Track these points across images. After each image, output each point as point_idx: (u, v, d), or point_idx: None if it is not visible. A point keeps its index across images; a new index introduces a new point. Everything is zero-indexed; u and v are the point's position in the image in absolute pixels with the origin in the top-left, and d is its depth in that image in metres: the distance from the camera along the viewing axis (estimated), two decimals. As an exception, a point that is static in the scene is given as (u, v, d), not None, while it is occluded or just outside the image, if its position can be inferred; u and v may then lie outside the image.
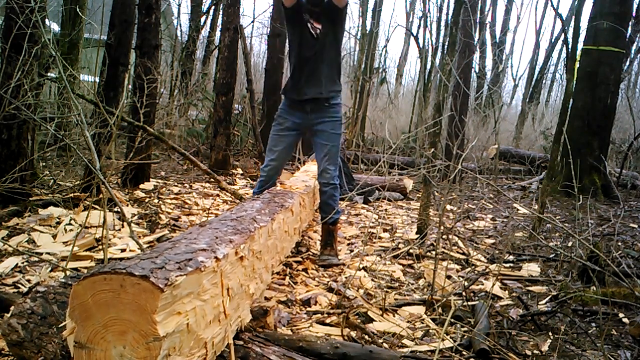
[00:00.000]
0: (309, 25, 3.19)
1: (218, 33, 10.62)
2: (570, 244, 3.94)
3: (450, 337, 2.21)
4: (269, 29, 8.64)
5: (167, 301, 1.15)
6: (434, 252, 3.50)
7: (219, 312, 1.46)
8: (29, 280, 2.52)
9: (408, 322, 2.42)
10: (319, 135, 3.29)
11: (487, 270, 3.31)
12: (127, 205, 4.15)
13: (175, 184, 5.55)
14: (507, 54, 16.94)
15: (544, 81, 16.94)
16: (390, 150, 3.11)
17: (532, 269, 3.36)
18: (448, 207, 5.60)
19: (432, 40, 11.41)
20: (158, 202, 4.43)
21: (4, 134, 3.49)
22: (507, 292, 2.94)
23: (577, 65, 5.78)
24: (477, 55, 12.62)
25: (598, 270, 2.62)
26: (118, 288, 1.13)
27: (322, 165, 3.30)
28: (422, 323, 2.40)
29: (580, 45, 6.62)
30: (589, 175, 6.69)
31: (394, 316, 2.48)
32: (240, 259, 1.70)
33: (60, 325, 1.56)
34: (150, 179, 5.18)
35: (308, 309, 2.51)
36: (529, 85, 16.01)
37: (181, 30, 11.59)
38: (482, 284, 3.02)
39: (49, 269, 2.68)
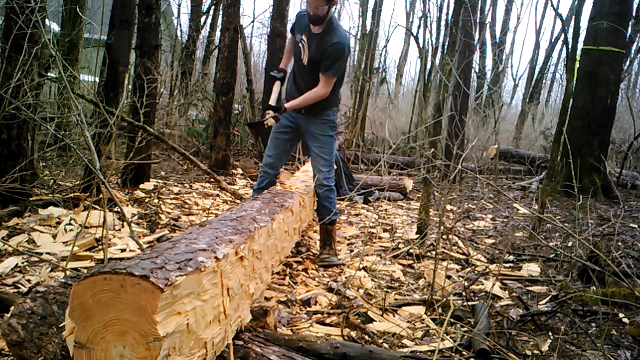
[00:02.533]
0: (300, 45, 3.17)
1: (218, 33, 10.62)
2: (570, 244, 3.94)
3: (450, 337, 2.21)
4: (269, 29, 8.64)
5: (167, 301, 1.15)
6: (434, 252, 3.50)
7: (219, 312, 1.46)
8: (29, 280, 2.52)
9: (408, 322, 2.42)
10: (310, 137, 3.32)
11: (487, 270, 3.31)
12: (127, 205, 4.15)
13: (175, 184, 5.55)
14: (507, 54, 16.94)
15: (544, 81, 16.93)
16: (390, 150, 3.11)
17: (532, 269, 3.36)
18: (448, 207, 5.60)
19: (432, 40, 11.41)
20: (158, 202, 4.43)
21: (4, 134, 3.49)
22: (507, 292, 2.94)
23: (577, 65, 5.78)
24: (477, 55, 12.62)
25: (598, 270, 2.62)
26: (118, 288, 1.13)
27: (316, 168, 3.32)
28: (422, 323, 2.40)
29: (580, 45, 6.62)
30: (589, 175, 6.69)
31: (394, 316, 2.48)
32: (240, 259, 1.70)
33: (60, 325, 1.56)
34: (150, 179, 5.18)
35: (308, 309, 2.51)
36: (529, 85, 16.01)
37: (181, 30, 11.60)
38: (482, 284, 3.02)
39: (49, 269, 2.68)
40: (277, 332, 2.06)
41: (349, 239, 4.08)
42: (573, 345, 2.22)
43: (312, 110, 3.24)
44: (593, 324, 2.45)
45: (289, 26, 7.95)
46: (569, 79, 4.50)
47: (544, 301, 2.76)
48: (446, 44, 8.87)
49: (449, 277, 3.03)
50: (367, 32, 10.72)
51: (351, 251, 3.70)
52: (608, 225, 4.57)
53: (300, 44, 3.17)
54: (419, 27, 14.51)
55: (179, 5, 11.51)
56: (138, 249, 2.83)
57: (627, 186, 7.52)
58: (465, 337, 2.21)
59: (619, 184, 7.29)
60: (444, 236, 3.81)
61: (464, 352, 2.05)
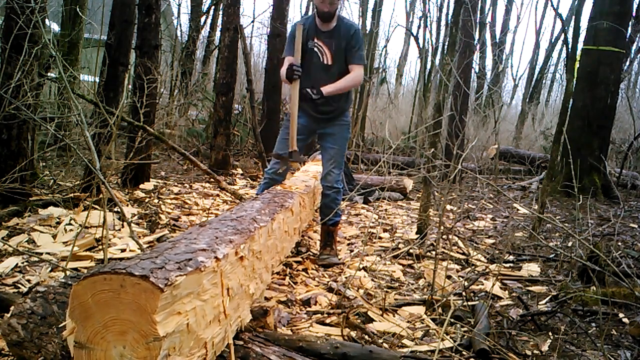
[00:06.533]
0: (316, 50, 3.14)
1: (218, 33, 10.63)
2: (570, 244, 3.94)
3: (450, 337, 2.21)
4: (269, 29, 8.64)
5: (167, 301, 1.15)
6: (434, 252, 3.50)
7: (219, 312, 1.46)
8: (29, 280, 2.52)
9: (408, 322, 2.42)
10: (327, 138, 3.31)
11: (487, 270, 3.31)
12: (127, 205, 4.15)
13: (175, 184, 5.55)
14: (507, 54, 16.94)
15: (544, 81, 16.94)
16: (390, 150, 3.11)
17: (532, 269, 3.36)
18: (448, 207, 5.60)
19: (432, 40, 11.41)
20: (158, 202, 4.43)
21: (4, 134, 3.49)
22: (507, 292, 2.94)
23: (577, 65, 5.78)
24: (477, 55, 12.62)
25: (598, 270, 2.62)
26: (118, 288, 1.13)
27: (327, 169, 3.29)
28: (422, 323, 2.40)
29: (580, 45, 6.62)
30: (589, 175, 6.69)
31: (394, 316, 2.48)
32: (240, 259, 1.70)
33: (60, 325, 1.56)
34: (150, 179, 5.18)
35: (308, 309, 2.51)
36: (529, 85, 16.01)
37: (181, 30, 11.60)
38: (482, 284, 3.02)
39: (49, 269, 2.68)
40: (277, 332, 2.06)
41: (349, 239, 4.08)
42: (573, 345, 2.22)
43: (332, 112, 3.26)
44: (593, 324, 2.45)
45: (288, 26, 7.96)
46: (569, 79, 4.50)
47: (544, 301, 2.76)
48: (446, 44, 8.87)
49: (449, 277, 3.03)
50: (367, 32, 10.72)
51: (351, 251, 3.70)
52: (608, 225, 4.57)
53: (315, 49, 3.14)
54: (419, 27, 14.52)
55: (179, 5, 11.52)
56: (138, 249, 2.83)
57: (627, 186, 7.52)
58: (465, 337, 2.21)
59: (619, 184, 7.29)
60: (444, 236, 3.81)
61: (464, 352, 2.05)
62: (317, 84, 3.12)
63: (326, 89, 3.08)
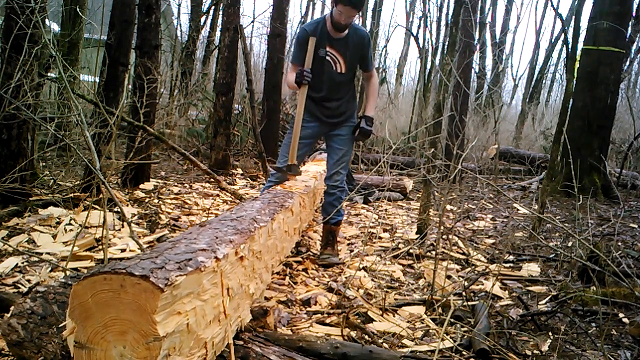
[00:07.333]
0: (328, 58, 3.13)
1: (218, 33, 10.63)
2: (570, 244, 3.94)
3: (450, 337, 2.21)
4: (269, 29, 8.63)
5: (167, 301, 1.15)
6: (434, 252, 3.50)
7: (219, 312, 1.46)
8: (29, 280, 2.52)
9: (408, 322, 2.42)
10: (335, 139, 3.33)
11: (487, 270, 3.31)
12: (127, 205, 4.14)
13: (175, 184, 5.55)
14: (507, 54, 16.95)
15: (544, 81, 16.94)
16: (390, 150, 3.11)
17: (532, 269, 3.36)
18: (448, 207, 5.59)
19: (432, 40, 11.42)
20: (158, 202, 4.43)
21: (4, 134, 3.49)
22: (507, 292, 2.94)
23: (577, 65, 5.77)
24: (477, 55, 12.61)
25: (598, 270, 2.62)
26: (118, 288, 1.13)
27: (334, 169, 3.31)
28: (422, 323, 2.40)
29: (580, 45, 6.62)
30: (589, 175, 6.69)
31: (394, 316, 2.48)
32: (240, 259, 1.70)
33: (60, 325, 1.56)
34: (150, 179, 5.18)
35: (308, 309, 2.51)
36: (529, 85, 16.02)
37: (181, 30, 11.61)
38: (482, 284, 3.02)
39: (49, 269, 2.68)
40: (277, 332, 2.06)
41: (349, 239, 4.08)
42: (573, 345, 2.22)
43: (344, 116, 3.29)
44: (593, 324, 2.45)
45: (289, 26, 7.97)
46: (569, 79, 4.50)
47: (544, 301, 2.76)
48: (446, 44, 8.86)
49: (449, 277, 3.03)
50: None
51: (351, 251, 3.70)
52: (608, 225, 4.57)
53: (328, 57, 3.12)
54: (419, 27, 14.53)
55: (179, 5, 11.53)
56: (138, 249, 2.83)
57: (627, 186, 7.52)
58: (465, 337, 2.21)
59: (619, 184, 7.29)
60: (444, 236, 3.81)
61: (464, 352, 2.05)
62: (331, 92, 3.19)
63: (371, 112, 3.23)
